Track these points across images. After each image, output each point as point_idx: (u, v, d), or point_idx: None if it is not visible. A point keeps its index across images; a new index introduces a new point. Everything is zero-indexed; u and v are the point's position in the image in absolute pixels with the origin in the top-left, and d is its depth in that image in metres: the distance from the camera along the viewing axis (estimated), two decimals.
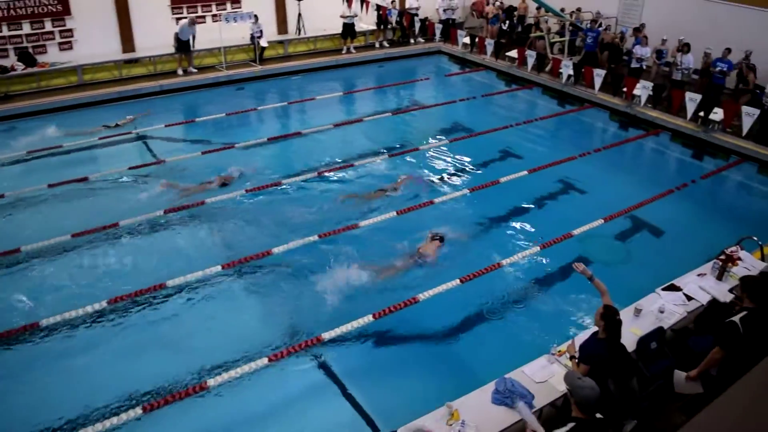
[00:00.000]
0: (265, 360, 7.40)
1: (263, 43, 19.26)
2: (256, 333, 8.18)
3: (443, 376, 7.55)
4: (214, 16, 19.19)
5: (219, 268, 9.27)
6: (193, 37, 17.85)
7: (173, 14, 18.50)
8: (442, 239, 9.96)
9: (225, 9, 19.28)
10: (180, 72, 17.95)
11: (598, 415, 4.80)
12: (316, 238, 10.07)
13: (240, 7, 19.46)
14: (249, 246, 9.99)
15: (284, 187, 11.97)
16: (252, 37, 19.02)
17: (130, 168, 12.54)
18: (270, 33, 20.20)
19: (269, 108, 16.61)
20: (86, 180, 12.08)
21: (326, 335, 7.84)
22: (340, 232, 10.33)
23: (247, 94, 17.54)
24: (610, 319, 5.72)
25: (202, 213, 11.01)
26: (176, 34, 17.58)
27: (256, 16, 18.64)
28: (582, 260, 9.83)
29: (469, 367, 7.69)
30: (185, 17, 18.48)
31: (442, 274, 9.19)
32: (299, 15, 20.31)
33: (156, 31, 18.09)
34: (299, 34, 20.66)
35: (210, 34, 18.57)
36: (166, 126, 14.90)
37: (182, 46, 17.72)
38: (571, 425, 4.65)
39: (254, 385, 7.22)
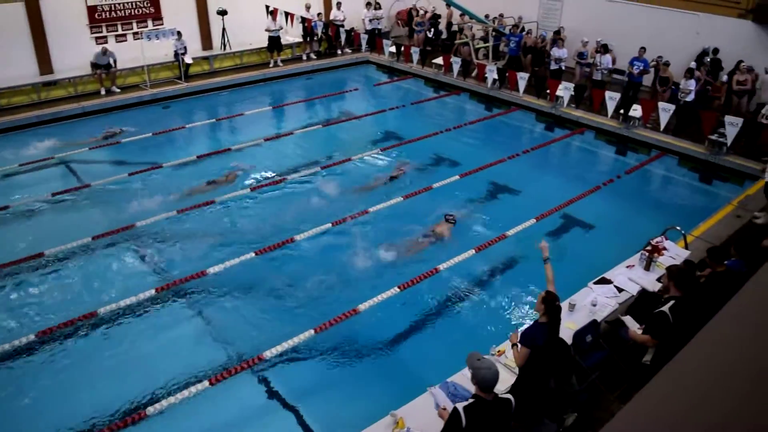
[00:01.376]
0: (206, 383, 7.24)
1: (188, 59, 18.94)
2: (195, 356, 7.99)
3: (387, 385, 7.55)
4: (135, 34, 18.72)
5: (153, 291, 9.04)
6: (114, 60, 17.42)
7: (92, 33, 17.96)
8: (455, 221, 10.94)
9: (146, 27, 18.84)
10: (102, 92, 17.45)
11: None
12: (252, 255, 9.94)
13: (162, 24, 19.05)
14: (184, 267, 9.80)
15: (217, 205, 11.75)
16: (176, 54, 18.66)
17: (53, 194, 12.08)
18: (194, 49, 19.87)
19: (197, 125, 16.31)
20: (7, 208, 11.58)
21: (268, 353, 7.73)
22: (277, 248, 10.23)
23: (173, 112, 17.17)
24: (550, 304, 5.83)
25: (133, 237, 10.71)
26: (92, 62, 17.21)
27: (179, 32, 18.30)
28: (517, 260, 10.10)
29: (413, 373, 7.72)
30: (104, 36, 18.04)
31: (380, 282, 9.22)
32: (223, 30, 20.05)
33: (75, 52, 17.50)
34: (224, 49, 20.39)
35: (132, 53, 18.12)
36: (90, 149, 14.42)
37: (102, 67, 17.27)
38: (472, 401, 4.99)
39: (195, 411, 7.04)
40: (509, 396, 5.19)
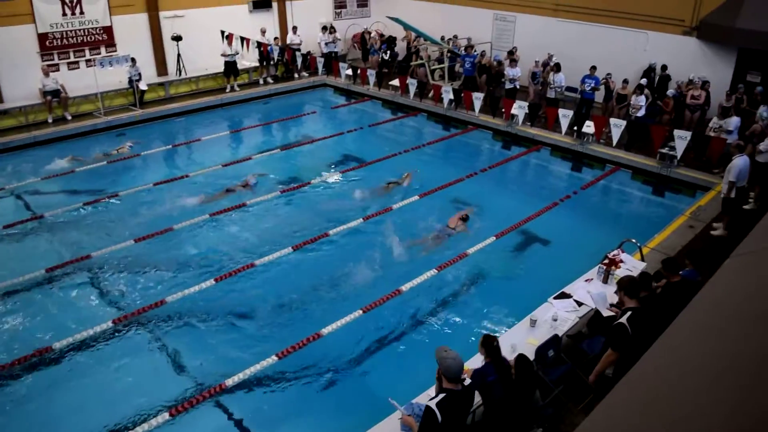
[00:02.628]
0: (167, 415, 7.07)
1: (142, 86, 18.73)
2: (155, 387, 7.81)
3: (353, 410, 7.47)
4: (88, 61, 18.45)
5: (110, 323, 8.82)
6: (62, 87, 17.14)
7: (43, 61, 17.63)
8: (467, 218, 11.73)
9: (99, 53, 18.58)
10: (50, 120, 17.11)
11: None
12: (212, 282, 9.80)
13: (115, 51, 18.83)
14: (142, 296, 9.63)
15: (175, 232, 11.56)
16: (130, 81, 18.45)
17: (4, 227, 11.74)
18: (149, 75, 19.67)
19: (153, 152, 16.06)
20: None
21: (229, 381, 7.60)
22: (237, 273, 10.11)
23: (128, 139, 16.88)
24: (489, 345, 6.05)
25: (88, 267, 10.46)
26: (40, 89, 16.94)
27: (133, 59, 18.11)
28: (479, 277, 10.15)
29: (378, 396, 7.65)
30: (56, 63, 17.75)
31: (343, 305, 9.17)
32: (178, 55, 19.91)
33: (26, 80, 17.14)
34: (180, 74, 20.23)
35: (85, 80, 17.85)
36: (41, 179, 14.09)
37: (51, 94, 16.98)
38: (442, 396, 5.15)
39: None
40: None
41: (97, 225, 11.93)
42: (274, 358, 7.98)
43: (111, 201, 12.92)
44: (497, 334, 7.73)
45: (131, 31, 19.24)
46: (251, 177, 13.83)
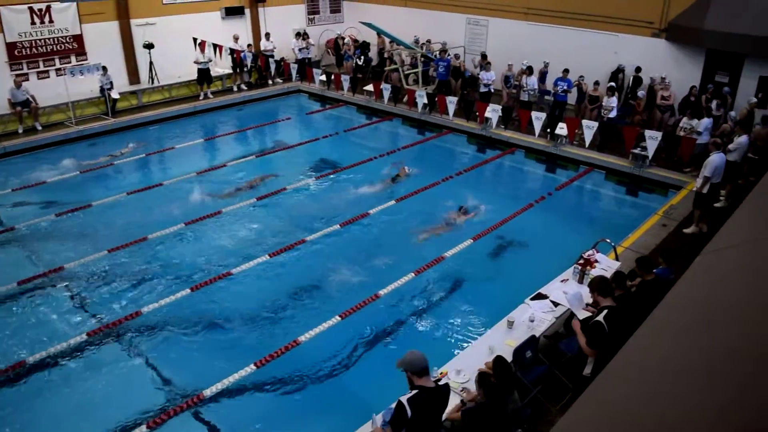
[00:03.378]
0: (144, 428, 6.99)
1: (114, 94, 18.53)
2: (132, 399, 7.71)
3: (332, 417, 7.44)
4: (58, 70, 18.22)
5: (85, 336, 8.70)
6: (33, 97, 16.91)
7: (12, 71, 17.37)
8: (466, 211, 12.30)
9: (70, 62, 18.37)
10: (20, 130, 16.87)
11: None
12: (188, 291, 9.72)
13: (86, 60, 18.64)
14: (118, 307, 9.52)
15: (150, 242, 11.44)
16: (102, 90, 18.26)
17: None
18: (121, 84, 19.48)
19: (127, 161, 15.87)
20: None
21: (207, 392, 7.53)
22: (213, 282, 10.04)
23: (101, 148, 16.69)
24: (485, 384, 5.84)
25: (62, 279, 10.30)
26: (9, 99, 16.70)
27: (104, 67, 17.93)
28: (456, 280, 10.17)
29: (358, 402, 7.64)
30: (25, 73, 17.51)
31: (321, 313, 9.14)
32: (151, 63, 19.73)
33: None
34: (152, 83, 20.05)
35: (55, 89, 17.63)
36: (12, 190, 13.87)
37: (21, 104, 16.74)
38: (415, 392, 5.16)
39: None
40: (448, 382, 5.51)
41: (70, 236, 11.76)
42: (253, 366, 7.94)
43: (83, 211, 12.73)
44: (475, 337, 7.79)
45: (102, 40, 19.05)
46: (257, 179, 14.36)
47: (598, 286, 6.80)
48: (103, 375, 8.19)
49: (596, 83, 16.68)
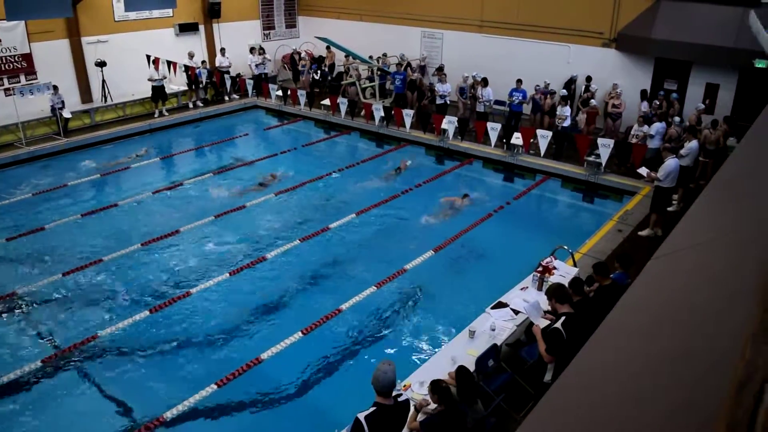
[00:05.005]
0: None
1: (66, 114, 18.13)
2: (91, 427, 7.52)
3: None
4: (6, 89, 17.74)
5: (39, 363, 8.45)
6: None
7: None
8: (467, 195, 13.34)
9: (19, 82, 17.93)
10: None
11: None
12: (147, 313, 9.53)
13: (36, 79, 18.22)
14: (73, 332, 9.26)
15: (106, 263, 11.18)
16: (53, 109, 17.85)
17: None
18: (73, 103, 19.08)
19: (80, 182, 15.48)
20: None
21: (168, 414, 7.38)
22: (172, 303, 9.86)
23: (53, 170, 16.29)
24: (440, 391, 5.89)
25: (13, 304, 10.00)
26: None
27: (55, 86, 17.55)
28: (417, 292, 10.17)
29: (323, 418, 7.58)
30: None
31: (282, 329, 9.05)
32: (103, 81, 19.38)
33: None
34: (105, 101, 19.69)
35: (4, 110, 17.16)
36: None
37: None
38: (373, 409, 5.14)
39: None
40: (408, 398, 5.44)
41: (24, 259, 11.45)
42: (214, 386, 7.81)
43: (36, 234, 12.39)
44: (438, 348, 7.79)
45: (52, 58, 18.63)
46: (269, 176, 15.14)
47: (555, 293, 6.86)
48: (60, 402, 7.99)
49: (552, 93, 16.96)
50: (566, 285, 7.27)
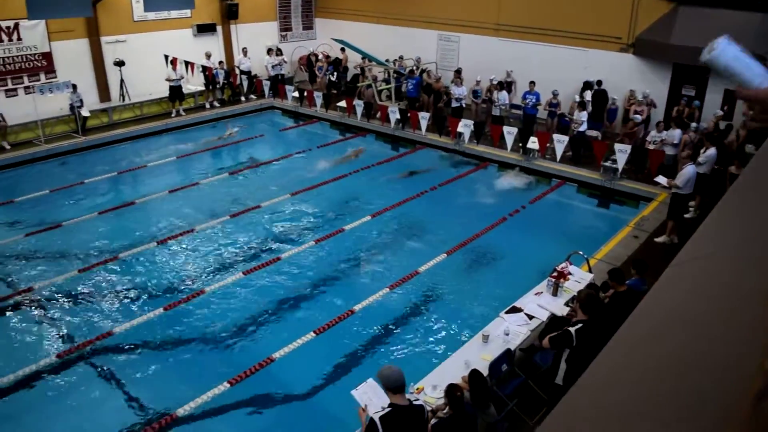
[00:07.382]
0: None
1: (84, 112, 18.32)
2: (105, 422, 7.59)
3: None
4: (26, 88, 17.94)
5: (54, 357, 8.54)
6: (1, 115, 16.67)
7: None
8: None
9: (39, 80, 18.12)
10: None
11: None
12: (161, 311, 9.59)
13: (55, 77, 18.40)
14: (89, 328, 9.34)
15: (122, 261, 11.28)
16: (72, 108, 18.04)
17: None
18: (91, 101, 19.28)
19: (97, 180, 15.62)
20: None
21: (181, 411, 7.42)
22: (186, 301, 9.92)
23: (71, 167, 16.46)
24: (452, 396, 5.86)
25: (32, 299, 10.11)
26: None
27: (74, 85, 17.73)
28: (431, 295, 10.16)
29: (334, 419, 7.58)
30: None
31: (296, 330, 9.07)
32: (122, 81, 19.56)
33: None
34: (123, 100, 19.87)
35: (24, 108, 17.37)
36: None
37: None
38: (388, 409, 5.15)
39: None
40: (422, 402, 5.46)
41: (40, 256, 11.56)
42: (227, 384, 7.84)
43: (53, 231, 12.51)
44: (450, 352, 7.76)
45: (72, 57, 18.85)
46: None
47: (584, 302, 6.77)
48: (75, 396, 8.09)
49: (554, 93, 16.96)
50: (596, 296, 7.19)
